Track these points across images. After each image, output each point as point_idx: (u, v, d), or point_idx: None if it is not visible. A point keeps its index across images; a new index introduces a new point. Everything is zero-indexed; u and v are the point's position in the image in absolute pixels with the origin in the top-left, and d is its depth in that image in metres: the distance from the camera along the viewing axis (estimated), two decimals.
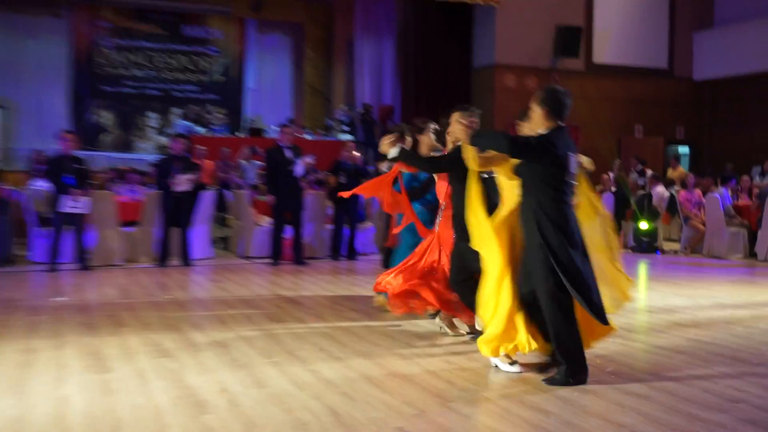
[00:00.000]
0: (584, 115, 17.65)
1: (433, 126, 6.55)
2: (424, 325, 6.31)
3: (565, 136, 4.57)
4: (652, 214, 12.86)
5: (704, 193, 12.81)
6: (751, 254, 11.86)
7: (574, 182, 4.62)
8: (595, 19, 17.95)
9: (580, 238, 4.54)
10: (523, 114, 4.96)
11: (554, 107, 4.52)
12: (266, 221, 11.00)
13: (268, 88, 20.12)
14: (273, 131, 16.46)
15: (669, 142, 18.86)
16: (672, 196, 13.19)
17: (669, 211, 13.68)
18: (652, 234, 12.84)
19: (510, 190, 4.76)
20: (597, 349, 5.49)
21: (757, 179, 15.54)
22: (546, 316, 4.50)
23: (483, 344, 4.72)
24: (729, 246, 11.96)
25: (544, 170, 4.46)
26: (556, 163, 4.46)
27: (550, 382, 4.53)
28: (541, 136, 4.51)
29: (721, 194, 12.29)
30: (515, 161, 4.60)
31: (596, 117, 17.77)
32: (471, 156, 4.72)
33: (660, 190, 13.16)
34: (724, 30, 18.52)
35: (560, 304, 4.41)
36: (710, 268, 10.91)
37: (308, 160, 10.42)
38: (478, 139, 4.68)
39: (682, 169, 16.48)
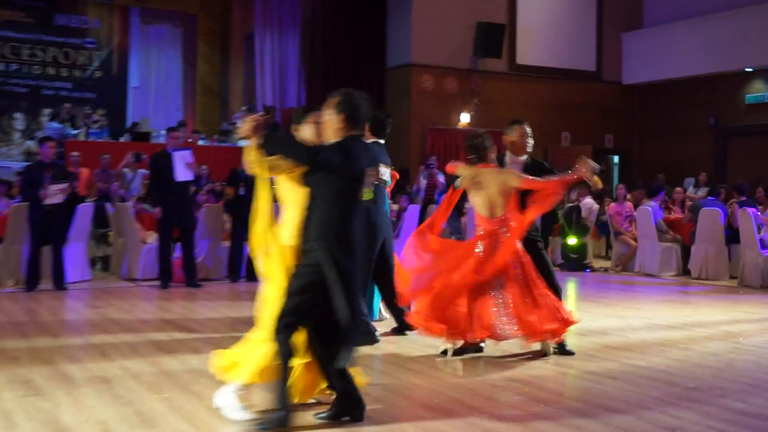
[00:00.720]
0: (507, 120, 18.05)
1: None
2: None
3: (363, 146, 4.52)
4: (581, 229, 13.25)
5: (636, 206, 13.28)
6: (685, 271, 12.36)
7: (364, 199, 4.60)
8: (519, 16, 18.44)
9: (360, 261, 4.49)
10: (302, 115, 4.85)
11: (352, 114, 4.42)
12: (154, 238, 10.79)
13: (155, 87, 19.83)
14: (161, 136, 16.19)
15: (598, 151, 19.50)
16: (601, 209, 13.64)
17: (598, 226, 14.12)
18: (580, 250, 13.22)
19: (291, 202, 4.57)
20: (522, 375, 5.61)
21: (690, 191, 16.23)
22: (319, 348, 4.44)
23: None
24: (661, 263, 12.43)
25: (340, 184, 4.37)
26: (353, 177, 4.40)
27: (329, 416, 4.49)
28: (341, 146, 4.38)
29: (651, 207, 12.75)
30: (304, 168, 4.42)
31: None
32: (255, 159, 4.49)
33: (588, 202, 13.58)
34: (654, 31, 19.33)
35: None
36: (642, 287, 11.32)
37: (188, 159, 10.09)
38: (272, 145, 4.39)
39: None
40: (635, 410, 4.82)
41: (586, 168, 5.94)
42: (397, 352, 6.48)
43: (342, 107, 4.42)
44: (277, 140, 4.44)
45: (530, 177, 6.12)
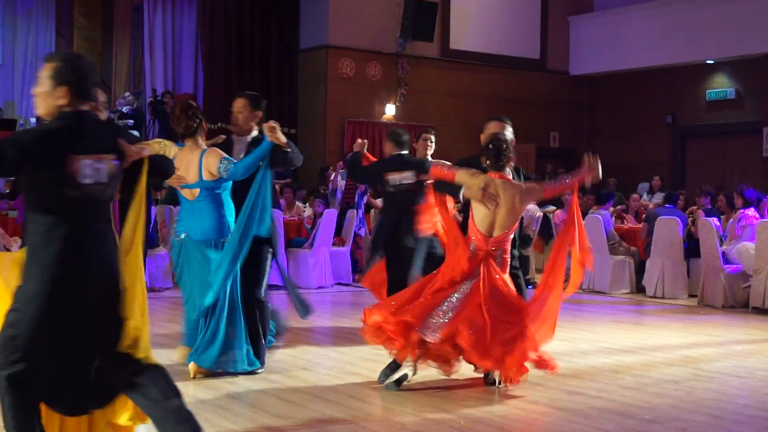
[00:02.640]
0: (439, 113, 18.23)
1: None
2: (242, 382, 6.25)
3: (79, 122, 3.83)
4: (523, 241, 13.37)
5: (584, 214, 13.49)
6: (639, 289, 12.61)
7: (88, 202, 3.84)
8: None
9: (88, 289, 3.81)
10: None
11: (79, 81, 3.82)
12: (19, 244, 10.52)
13: (23, 66, 19.37)
14: (31, 125, 15.83)
15: (541, 150, 19.76)
16: (546, 218, 13.81)
17: (542, 236, 14.29)
18: (522, 264, 13.33)
19: None
20: (459, 407, 5.64)
21: (645, 198, 16.58)
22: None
23: None
24: (613, 279, 12.64)
25: (38, 182, 3.78)
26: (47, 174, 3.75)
27: None
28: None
29: (602, 216, 12.95)
30: None
31: (454, 116, 18.37)
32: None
33: (531, 208, 13.73)
34: (606, 15, 19.69)
35: None
36: (592, 306, 11.52)
37: None
38: None
39: None
40: None
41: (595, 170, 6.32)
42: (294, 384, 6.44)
43: (61, 74, 3.79)
44: None
45: (549, 182, 6.27)
